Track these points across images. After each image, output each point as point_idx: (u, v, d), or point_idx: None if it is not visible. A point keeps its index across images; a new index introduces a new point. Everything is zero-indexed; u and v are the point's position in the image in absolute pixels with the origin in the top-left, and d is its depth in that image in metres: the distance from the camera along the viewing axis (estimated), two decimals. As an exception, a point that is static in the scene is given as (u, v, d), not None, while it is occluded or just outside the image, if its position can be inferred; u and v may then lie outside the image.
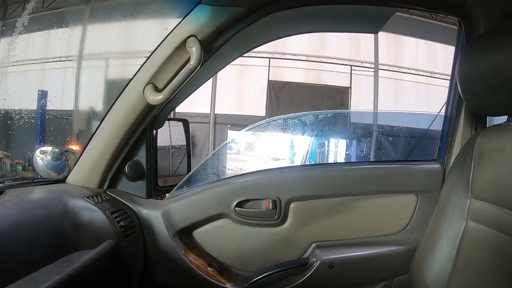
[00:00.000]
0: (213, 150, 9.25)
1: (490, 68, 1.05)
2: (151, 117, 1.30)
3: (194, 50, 1.14)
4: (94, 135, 1.30)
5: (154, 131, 1.39)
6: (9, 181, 1.25)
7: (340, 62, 9.45)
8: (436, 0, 1.28)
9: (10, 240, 0.90)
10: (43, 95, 10.00)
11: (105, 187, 1.34)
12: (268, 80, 9.13)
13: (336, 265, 1.32)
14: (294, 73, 8.99)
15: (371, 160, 8.19)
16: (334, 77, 9.58)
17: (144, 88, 1.21)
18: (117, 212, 1.23)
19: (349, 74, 9.80)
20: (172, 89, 1.20)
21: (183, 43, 1.16)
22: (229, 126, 9.54)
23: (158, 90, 1.21)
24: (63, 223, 1.08)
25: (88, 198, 1.19)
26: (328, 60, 9.39)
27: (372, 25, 1.44)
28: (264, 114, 9.43)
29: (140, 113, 1.25)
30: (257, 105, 9.19)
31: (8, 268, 0.86)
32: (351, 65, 9.65)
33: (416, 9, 1.39)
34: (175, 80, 1.19)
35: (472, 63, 1.12)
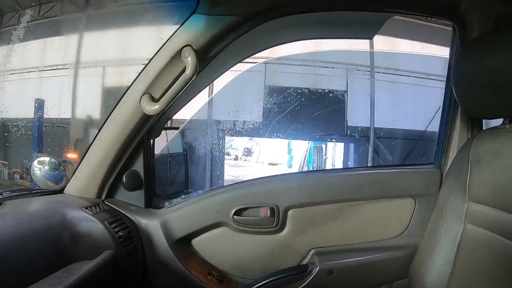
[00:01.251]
0: (211, 156, 9.29)
1: (485, 72, 1.06)
2: (148, 127, 1.31)
3: (189, 60, 1.16)
4: (91, 145, 1.31)
5: (151, 140, 1.41)
6: (7, 192, 1.25)
7: (336, 66, 9.47)
8: (430, 4, 1.29)
9: (9, 252, 0.91)
10: (40, 104, 10.03)
11: (103, 197, 1.36)
12: (265, 85, 9.15)
13: (335, 271, 1.33)
14: (290, 78, 9.02)
15: (369, 165, 8.21)
16: (330, 81, 9.59)
17: (140, 98, 1.22)
18: (116, 222, 1.24)
19: (345, 78, 9.82)
20: (168, 99, 1.21)
21: (179, 52, 1.18)
22: (227, 131, 9.55)
23: (154, 100, 1.22)
24: (62, 234, 1.09)
25: (86, 208, 1.21)
26: (324, 64, 9.41)
27: (367, 31, 1.45)
28: (261, 120, 9.44)
29: (137, 123, 1.26)
30: (254, 111, 9.20)
31: (7, 280, 0.87)
32: (347, 69, 9.66)
33: (410, 14, 1.40)
34: (171, 90, 1.21)
35: (467, 67, 1.13)
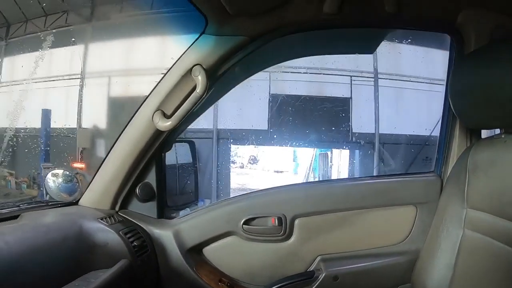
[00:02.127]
0: (217, 164, 9.29)
1: (481, 85, 1.09)
2: (160, 142, 1.36)
3: (200, 79, 1.21)
4: (106, 159, 1.36)
5: (163, 154, 1.44)
6: (25, 204, 1.30)
7: (340, 73, 9.44)
8: (427, 19, 1.32)
9: (29, 262, 0.95)
10: (46, 113, 10.21)
11: (117, 208, 1.39)
12: (270, 94, 9.13)
13: (340, 276, 1.36)
14: (295, 86, 9.01)
15: (373, 175, 8.21)
16: (335, 88, 9.57)
17: (153, 114, 1.28)
18: (130, 233, 1.27)
19: (349, 85, 9.80)
20: (180, 115, 1.26)
21: (189, 71, 1.23)
22: (231, 140, 9.57)
23: (166, 116, 1.27)
24: (79, 244, 1.13)
25: (101, 219, 1.25)
26: (328, 72, 9.38)
27: (367, 46, 1.48)
28: (266, 128, 9.45)
29: (149, 139, 1.31)
30: (259, 119, 9.20)
31: None
32: (350, 76, 9.63)
33: (409, 29, 1.44)
34: (183, 107, 1.26)
35: (464, 80, 1.17)
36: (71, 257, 1.09)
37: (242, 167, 12.06)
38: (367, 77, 9.83)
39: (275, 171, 11.97)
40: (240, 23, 1.21)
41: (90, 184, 1.39)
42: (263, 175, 11.65)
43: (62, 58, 10.85)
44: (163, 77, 1.28)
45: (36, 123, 9.89)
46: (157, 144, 1.36)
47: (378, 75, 9.76)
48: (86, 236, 1.17)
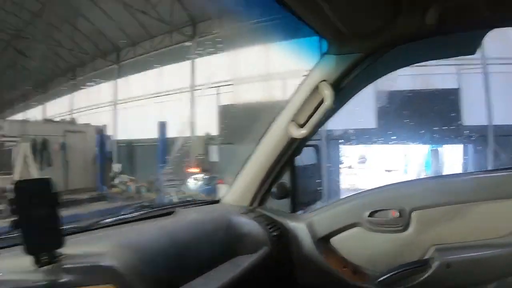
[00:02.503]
0: (328, 164, 9.31)
1: None
2: (293, 148, 1.56)
3: (327, 93, 1.41)
4: (245, 165, 1.60)
5: (294, 157, 1.63)
6: (177, 203, 1.60)
7: (445, 63, 9.07)
8: None
9: (189, 248, 1.21)
10: (162, 125, 11.17)
11: (255, 205, 1.61)
12: (376, 91, 9.00)
13: (453, 264, 1.44)
14: (400, 81, 8.84)
15: (485, 169, 7.83)
16: (442, 80, 9.23)
17: (288, 125, 1.50)
18: (270, 225, 1.50)
19: (457, 75, 9.40)
20: (313, 124, 1.47)
21: (316, 87, 1.43)
22: (342, 141, 9.58)
23: (300, 126, 1.48)
24: (228, 234, 1.38)
25: (244, 214, 1.49)
26: (433, 63, 9.05)
27: (468, 48, 1.52)
28: (374, 126, 9.32)
29: (284, 146, 1.53)
30: (367, 117, 9.11)
31: (189, 268, 1.16)
32: (457, 65, 9.20)
33: (508, 27, 1.48)
34: (314, 117, 1.46)
35: None
36: (222, 245, 1.34)
37: (350, 167, 11.95)
38: (476, 64, 9.34)
39: (385, 170, 11.68)
40: (355, 42, 1.37)
41: (232, 185, 1.64)
42: (373, 175, 11.44)
43: (172, 75, 11.76)
44: (294, 94, 1.49)
45: (153, 134, 10.87)
46: (291, 150, 1.56)
47: (488, 60, 9.24)
48: (233, 227, 1.41)
